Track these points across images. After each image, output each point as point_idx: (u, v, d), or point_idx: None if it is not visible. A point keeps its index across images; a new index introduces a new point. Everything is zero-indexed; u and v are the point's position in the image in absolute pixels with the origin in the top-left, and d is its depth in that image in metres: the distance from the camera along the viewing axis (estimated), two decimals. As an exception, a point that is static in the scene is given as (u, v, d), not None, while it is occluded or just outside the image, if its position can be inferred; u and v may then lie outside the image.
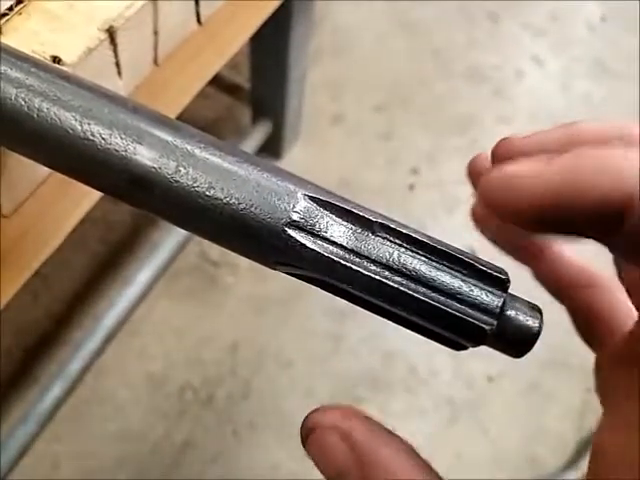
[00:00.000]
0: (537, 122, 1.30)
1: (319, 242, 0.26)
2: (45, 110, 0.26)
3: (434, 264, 0.26)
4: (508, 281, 0.26)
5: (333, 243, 0.26)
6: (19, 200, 0.39)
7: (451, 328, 0.25)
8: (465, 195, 1.18)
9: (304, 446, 0.23)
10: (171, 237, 0.98)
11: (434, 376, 1.04)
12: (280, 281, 1.02)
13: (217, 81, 1.10)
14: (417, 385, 1.03)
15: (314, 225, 0.26)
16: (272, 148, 1.16)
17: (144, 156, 0.26)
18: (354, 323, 1.06)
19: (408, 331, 0.28)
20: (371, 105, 1.28)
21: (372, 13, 1.39)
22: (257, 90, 1.08)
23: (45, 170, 0.40)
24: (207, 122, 1.19)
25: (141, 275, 0.95)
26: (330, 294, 0.28)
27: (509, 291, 0.26)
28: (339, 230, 0.26)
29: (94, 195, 0.47)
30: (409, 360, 1.04)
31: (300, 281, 0.28)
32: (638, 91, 1.33)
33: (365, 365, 1.04)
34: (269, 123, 1.11)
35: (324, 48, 1.32)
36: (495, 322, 0.25)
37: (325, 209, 0.26)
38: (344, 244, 0.26)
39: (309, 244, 0.25)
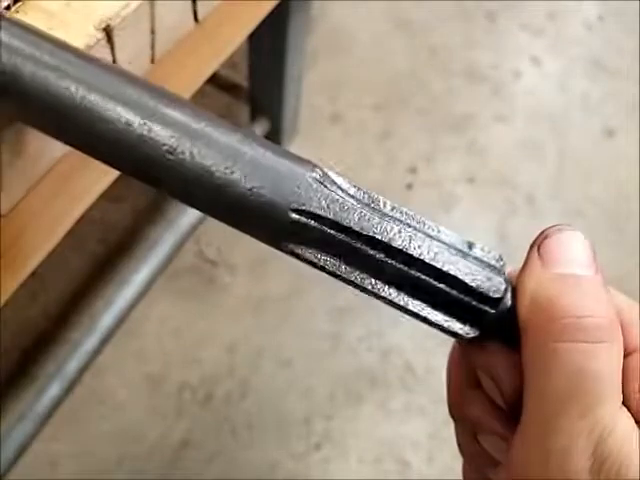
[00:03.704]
0: (535, 122, 1.30)
1: (326, 223, 0.26)
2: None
3: (439, 246, 0.28)
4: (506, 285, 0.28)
5: (338, 225, 0.26)
6: (16, 198, 0.39)
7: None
8: (463, 194, 1.18)
9: None
10: (169, 237, 0.98)
11: (432, 374, 1.04)
12: (278, 280, 1.02)
13: (215, 80, 1.10)
14: (415, 383, 1.03)
15: (321, 206, 0.26)
16: (270, 147, 1.16)
17: (159, 135, 0.26)
18: (352, 322, 1.06)
19: (406, 329, 0.29)
20: (369, 104, 1.28)
21: (370, 12, 1.39)
22: (255, 89, 1.08)
23: (42, 168, 0.40)
24: (205, 121, 1.19)
25: (139, 275, 0.95)
26: (328, 292, 0.28)
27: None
28: (346, 211, 0.26)
29: (92, 194, 0.47)
30: (407, 358, 1.04)
31: (298, 280, 0.28)
32: (636, 91, 1.33)
33: (363, 364, 1.04)
34: (267, 122, 1.11)
35: (322, 48, 1.32)
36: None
37: (332, 190, 0.27)
38: (350, 225, 0.26)
39: (317, 225, 0.26)
